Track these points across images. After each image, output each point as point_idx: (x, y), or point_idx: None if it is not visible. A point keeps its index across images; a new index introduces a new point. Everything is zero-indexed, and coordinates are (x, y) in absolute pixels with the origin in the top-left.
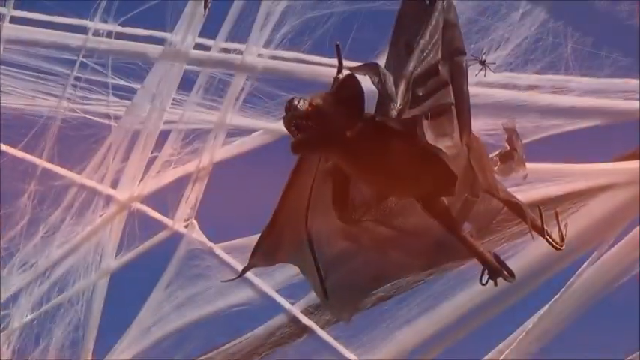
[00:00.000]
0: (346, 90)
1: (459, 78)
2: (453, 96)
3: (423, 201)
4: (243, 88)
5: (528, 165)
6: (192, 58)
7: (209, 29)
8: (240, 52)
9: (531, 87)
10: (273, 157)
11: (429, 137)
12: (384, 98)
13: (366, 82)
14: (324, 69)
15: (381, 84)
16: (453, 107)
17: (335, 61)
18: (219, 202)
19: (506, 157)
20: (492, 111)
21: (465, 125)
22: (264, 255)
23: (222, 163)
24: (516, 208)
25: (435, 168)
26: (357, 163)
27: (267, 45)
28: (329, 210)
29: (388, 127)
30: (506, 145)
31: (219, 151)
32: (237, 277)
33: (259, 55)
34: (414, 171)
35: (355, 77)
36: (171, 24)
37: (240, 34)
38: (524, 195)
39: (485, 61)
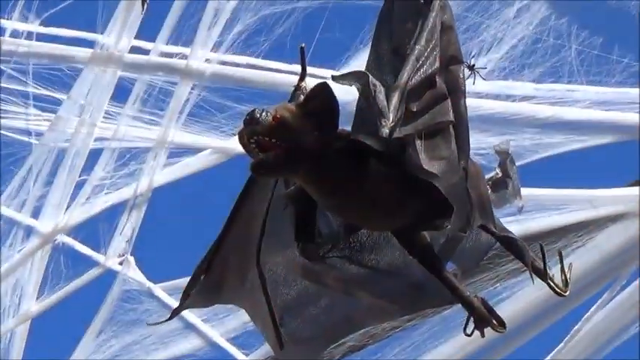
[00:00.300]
0: (317, 101)
1: (455, 91)
2: (451, 113)
3: (401, 235)
4: (188, 99)
5: (526, 190)
6: (128, 63)
7: (148, 29)
8: (184, 57)
9: (529, 97)
10: (224, 181)
11: (423, 160)
12: (373, 113)
13: (341, 91)
14: (285, 76)
15: (371, 97)
16: (450, 126)
17: (298, 67)
18: (161, 234)
19: (499, 185)
20: (482, 126)
21: (463, 147)
22: (202, 294)
23: (163, 187)
24: (513, 246)
25: (425, 197)
26: (327, 189)
27: (216, 48)
28: (288, 243)
29: (367, 146)
30: (499, 171)
31: (161, 173)
32: (165, 321)
33: (207, 60)
34: (395, 199)
35: (327, 86)
36: (103, 23)
37: (185, 34)
38: (521, 226)
39: (474, 65)
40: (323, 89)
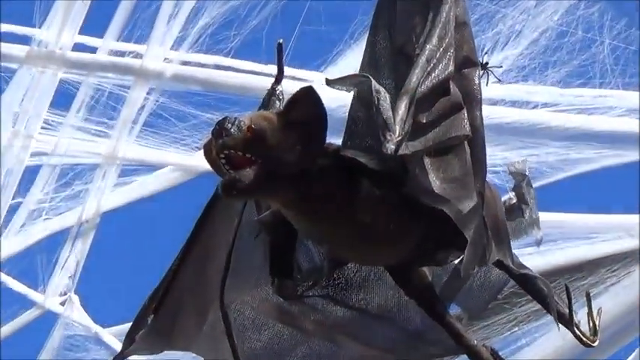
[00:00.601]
0: (300, 109)
1: (470, 100)
2: (468, 126)
3: (396, 271)
4: (143, 106)
5: (548, 215)
6: (71, 63)
7: (95, 23)
8: (138, 55)
9: (553, 104)
10: (186, 204)
11: (432, 182)
12: (373, 125)
13: (326, 97)
14: (261, 79)
15: (374, 105)
16: (465, 143)
17: (275, 68)
18: (110, 268)
19: (514, 213)
20: (496, 138)
21: (479, 166)
22: (150, 338)
23: (114, 211)
24: (532, 286)
25: (428, 226)
26: (310, 214)
27: (177, 45)
28: (259, 279)
29: (360, 165)
30: (513, 195)
31: (110, 194)
32: None
33: (166, 59)
34: (391, 229)
35: (313, 91)
36: (42, 16)
37: (139, 29)
38: (542, 259)
39: (487, 64)
40: (308, 95)
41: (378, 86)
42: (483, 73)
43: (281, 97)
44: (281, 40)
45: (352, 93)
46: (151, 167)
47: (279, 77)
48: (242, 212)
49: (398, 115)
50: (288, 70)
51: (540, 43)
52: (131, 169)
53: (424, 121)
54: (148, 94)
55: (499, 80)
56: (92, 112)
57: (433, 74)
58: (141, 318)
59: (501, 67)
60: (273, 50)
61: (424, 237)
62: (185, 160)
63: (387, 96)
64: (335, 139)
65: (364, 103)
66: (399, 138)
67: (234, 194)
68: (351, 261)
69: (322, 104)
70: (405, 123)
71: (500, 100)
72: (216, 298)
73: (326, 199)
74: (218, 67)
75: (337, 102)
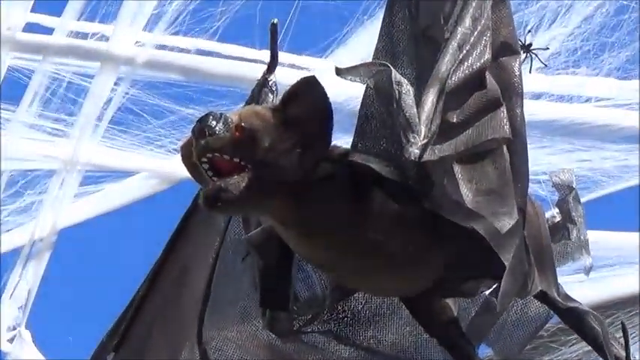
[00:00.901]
0: (301, 104)
1: (510, 95)
2: (508, 126)
3: (415, 303)
4: (110, 99)
5: (601, 234)
6: (22, 46)
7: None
8: (104, 38)
9: (609, 98)
10: (161, 219)
11: (464, 195)
12: (392, 124)
13: (337, 89)
14: (252, 67)
15: (395, 100)
16: (504, 146)
17: (265, 54)
18: (68, 297)
19: (557, 233)
20: (539, 139)
21: (520, 176)
22: None
23: (74, 228)
24: (582, 323)
25: (455, 248)
26: (311, 233)
27: (151, 25)
28: (246, 311)
29: (373, 173)
30: (557, 212)
31: (70, 208)
32: None
33: (138, 43)
34: (410, 251)
35: (316, 82)
36: None
37: (106, 5)
38: (594, 289)
39: (530, 45)
40: (309, 86)
41: (399, 77)
42: (525, 57)
43: (274, 89)
44: (275, 20)
45: (366, 85)
46: (119, 174)
47: (272, 65)
48: (226, 229)
49: (423, 113)
50: (284, 57)
51: (595, 21)
52: (95, 177)
53: (455, 120)
54: (115, 84)
55: (545, 65)
56: (48, 106)
57: (466, 63)
58: (98, 357)
59: (547, 49)
60: (266, 31)
61: (450, 262)
62: (161, 166)
63: (411, 89)
64: (342, 141)
65: (381, 97)
66: (425, 140)
67: (219, 207)
68: (360, 290)
69: (327, 98)
70: (431, 122)
71: (545, 93)
72: (192, 334)
73: (330, 215)
74: (200, 52)
75: (345, 95)
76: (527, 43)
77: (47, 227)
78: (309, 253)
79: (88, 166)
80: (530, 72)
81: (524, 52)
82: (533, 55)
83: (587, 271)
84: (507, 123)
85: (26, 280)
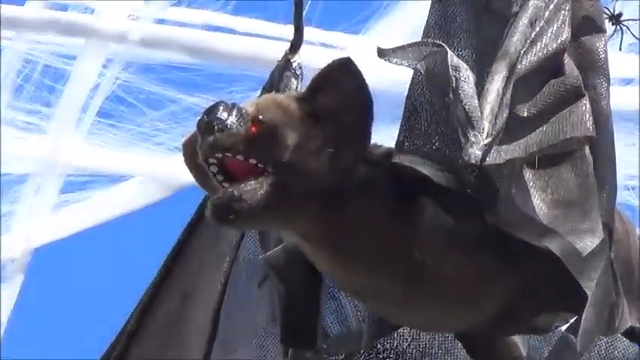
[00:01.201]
0: (333, 92)
1: (594, 83)
2: (591, 122)
3: (473, 341)
4: (97, 85)
5: None
6: None
7: None
8: (89, 10)
9: None
10: (159, 234)
11: (537, 207)
12: (447, 118)
13: (377, 75)
14: (271, 45)
15: (451, 88)
16: (586, 148)
17: (288, 30)
18: (46, 326)
19: None
20: (628, 135)
21: (607, 184)
22: None
23: (52, 246)
24: None
25: (523, 274)
26: (344, 252)
27: None
28: (263, 348)
29: (424, 179)
30: None
31: (48, 220)
32: None
33: (131, 16)
34: (468, 276)
35: (352, 65)
36: None
37: None
38: None
39: (620, 16)
40: (343, 70)
41: (456, 60)
42: (614, 31)
43: (299, 73)
44: None
45: (414, 70)
46: (108, 178)
47: (296, 42)
48: (238, 247)
49: (487, 105)
50: (311, 33)
51: None
52: (79, 182)
53: (525, 114)
54: (103, 67)
55: (638, 39)
56: (20, 94)
57: (539, 43)
58: None
59: (636, 21)
60: (290, 2)
61: (518, 291)
62: (159, 168)
63: (471, 75)
64: (384, 138)
65: (434, 85)
66: (489, 139)
67: (231, 220)
68: (405, 324)
69: (365, 84)
70: (497, 117)
71: (635, 78)
72: None
73: (369, 230)
74: (209, 27)
75: (388, 81)
76: (616, 13)
77: (20, 245)
78: (342, 277)
79: (70, 168)
80: (620, 49)
81: (612, 24)
82: (624, 28)
83: None
84: (590, 118)
85: None
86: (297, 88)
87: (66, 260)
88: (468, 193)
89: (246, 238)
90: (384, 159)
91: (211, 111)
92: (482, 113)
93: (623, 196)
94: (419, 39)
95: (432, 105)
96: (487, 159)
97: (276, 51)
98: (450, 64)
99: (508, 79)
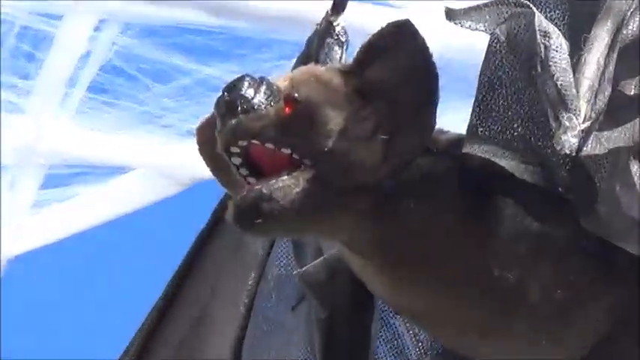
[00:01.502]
0: (387, 64)
1: None
2: None
3: None
4: (88, 53)
5: None
6: None
7: None
8: None
9: None
10: (165, 240)
11: None
12: (535, 98)
13: (442, 42)
14: (301, 4)
15: (538, 59)
16: None
17: None
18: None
19: None
20: None
21: None
22: None
23: (34, 253)
24: None
25: (634, 294)
26: (402, 265)
27: None
28: None
29: (503, 173)
30: None
31: (26, 222)
32: None
33: None
34: (561, 297)
35: (412, 29)
36: None
37: None
38: None
39: None
40: (402, 36)
41: (546, 23)
42: None
43: (344, 40)
44: None
45: (492, 35)
46: (102, 170)
47: (340, 2)
48: (267, 259)
49: (585, 80)
50: None
51: None
52: (66, 175)
53: (633, 92)
54: (95, 30)
55: None
56: None
57: None
58: None
59: None
60: None
61: (621, 315)
62: (165, 158)
63: (564, 42)
64: (451, 122)
65: (518, 54)
66: (587, 124)
67: (258, 224)
68: (478, 357)
69: (429, 53)
70: (597, 95)
71: None
72: None
73: (433, 238)
74: None
75: (457, 49)
76: None
77: None
78: (398, 297)
79: (55, 157)
80: None
81: None
82: None
83: None
84: None
85: None
86: (341, 58)
87: (51, 270)
88: (560, 191)
89: (277, 248)
90: (452, 148)
91: (234, 87)
92: (578, 91)
93: None
94: None
95: (514, 80)
96: (584, 148)
97: (315, 11)
98: (537, 28)
99: (611, 47)
